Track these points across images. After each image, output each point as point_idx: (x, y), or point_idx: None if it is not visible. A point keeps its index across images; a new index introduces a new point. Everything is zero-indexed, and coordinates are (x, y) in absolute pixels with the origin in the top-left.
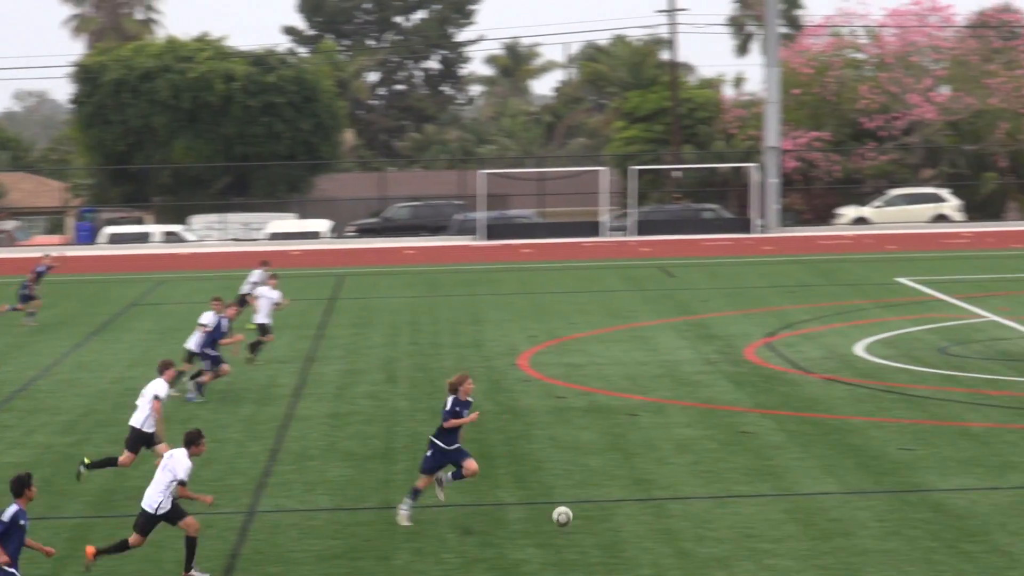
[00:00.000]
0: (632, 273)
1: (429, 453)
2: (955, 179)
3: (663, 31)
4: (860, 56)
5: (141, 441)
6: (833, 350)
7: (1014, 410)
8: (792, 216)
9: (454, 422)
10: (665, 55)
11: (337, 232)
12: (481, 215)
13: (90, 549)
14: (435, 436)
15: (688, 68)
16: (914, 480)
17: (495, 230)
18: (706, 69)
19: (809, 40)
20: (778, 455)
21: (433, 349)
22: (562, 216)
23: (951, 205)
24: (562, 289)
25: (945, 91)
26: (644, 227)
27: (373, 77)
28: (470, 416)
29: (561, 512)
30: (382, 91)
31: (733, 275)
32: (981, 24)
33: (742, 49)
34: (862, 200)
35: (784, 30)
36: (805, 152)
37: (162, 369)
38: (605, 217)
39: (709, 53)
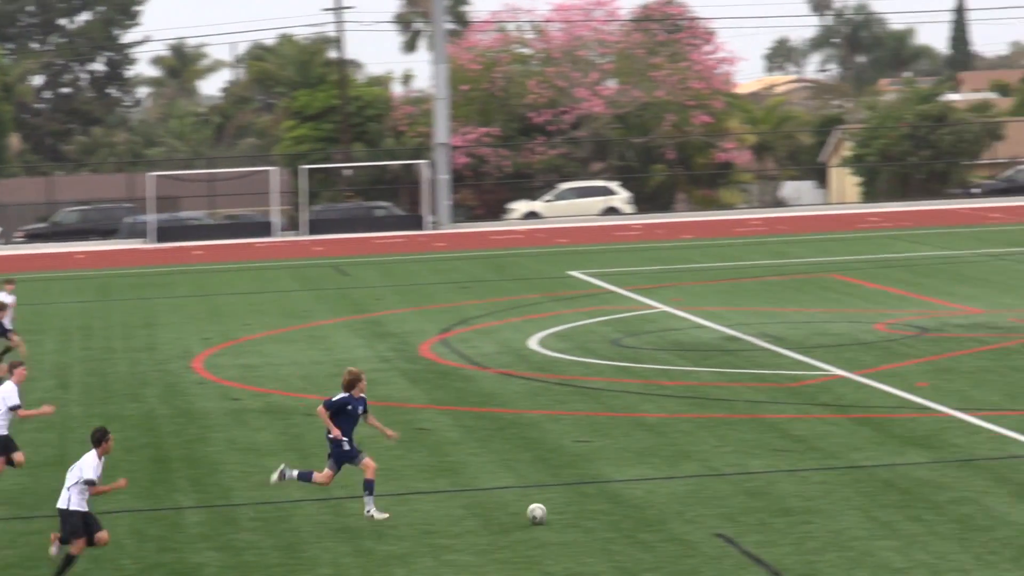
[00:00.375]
0: (305, 272)
1: (347, 446)
2: (624, 172)
3: (330, 29)
4: (527, 51)
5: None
6: (507, 345)
7: (688, 399)
8: (464, 212)
9: (323, 414)
10: (333, 53)
11: (4, 238)
12: (151, 218)
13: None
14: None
15: (356, 66)
16: (591, 472)
17: (166, 232)
18: (374, 67)
19: (476, 36)
20: (455, 451)
21: (106, 354)
22: (234, 217)
23: (621, 198)
24: (236, 290)
25: (612, 85)
26: (316, 226)
27: (38, 80)
28: (329, 424)
29: (535, 510)
30: (48, 94)
31: (406, 272)
32: (645, 18)
33: (410, 46)
34: (533, 194)
35: (451, 26)
36: (475, 148)
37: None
38: (277, 217)
39: (377, 50)
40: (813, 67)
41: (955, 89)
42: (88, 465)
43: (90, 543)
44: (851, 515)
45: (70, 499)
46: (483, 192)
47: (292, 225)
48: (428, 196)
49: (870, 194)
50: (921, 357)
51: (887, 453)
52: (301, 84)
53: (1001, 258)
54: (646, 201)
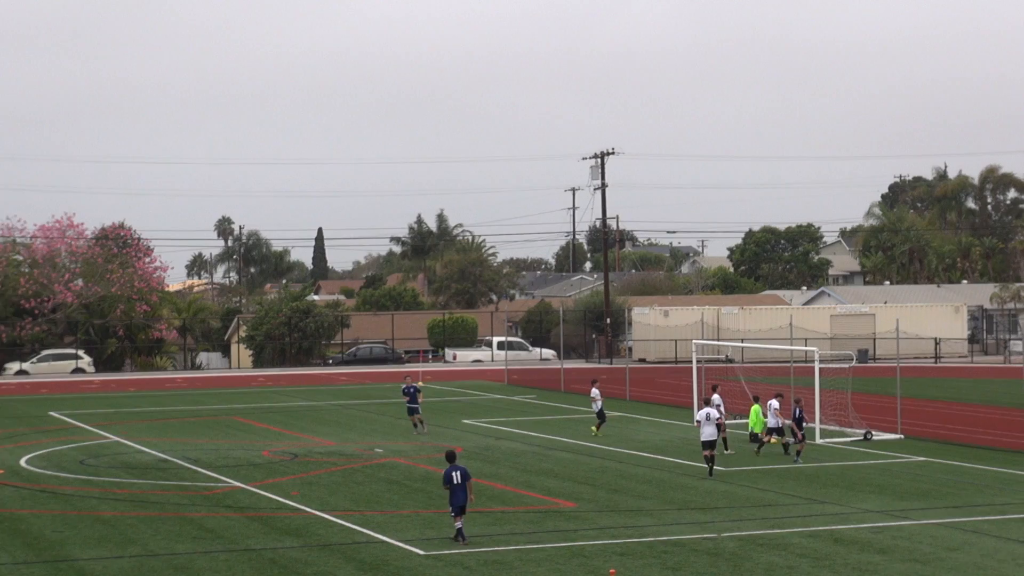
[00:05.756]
0: None
1: None
2: (88, 343)
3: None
4: (19, 257)
5: None
6: (4, 463)
7: (132, 502)
8: None
9: None
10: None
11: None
12: None
13: None
14: None
15: None
16: (64, 553)
17: None
18: None
19: None
20: None
21: None
22: None
23: (86, 361)
24: None
25: (80, 283)
26: None
27: None
28: None
29: None
30: None
31: None
32: (104, 236)
33: None
34: (24, 357)
35: None
36: None
37: None
38: None
39: None
40: (220, 274)
41: (316, 292)
42: None
43: None
44: None
45: None
46: None
47: None
48: None
49: (259, 362)
50: (294, 474)
51: (271, 540)
52: None
53: (348, 408)
54: (103, 364)
